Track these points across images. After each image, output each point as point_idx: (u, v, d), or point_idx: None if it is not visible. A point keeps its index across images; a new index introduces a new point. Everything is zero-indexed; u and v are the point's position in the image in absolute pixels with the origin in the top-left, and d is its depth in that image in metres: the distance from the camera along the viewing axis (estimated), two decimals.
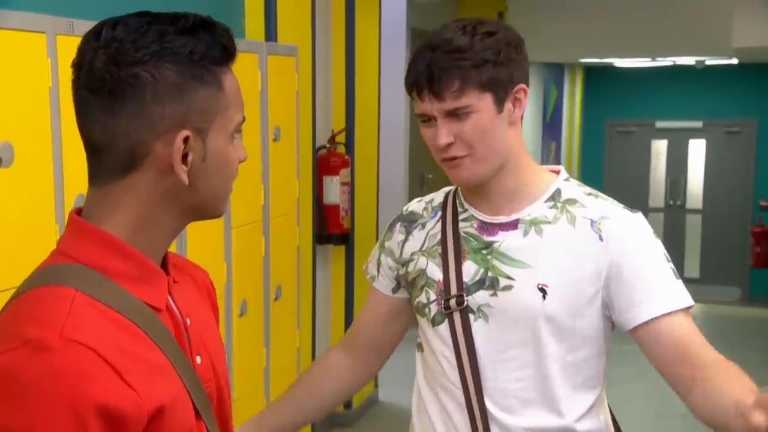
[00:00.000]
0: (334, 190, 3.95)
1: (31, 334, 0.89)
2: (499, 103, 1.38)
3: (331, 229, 3.99)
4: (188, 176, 0.97)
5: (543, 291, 1.40)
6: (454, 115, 1.37)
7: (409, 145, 5.99)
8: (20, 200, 2.01)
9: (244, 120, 1.03)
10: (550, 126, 8.38)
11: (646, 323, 1.38)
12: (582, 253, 1.40)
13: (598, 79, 9.50)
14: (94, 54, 0.96)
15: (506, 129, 1.40)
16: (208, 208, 1.03)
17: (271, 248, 3.17)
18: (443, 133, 1.38)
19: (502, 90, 1.38)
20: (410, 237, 1.53)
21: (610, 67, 9.07)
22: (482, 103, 1.37)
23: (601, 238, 1.40)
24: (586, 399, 1.44)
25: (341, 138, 4.09)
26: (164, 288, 1.02)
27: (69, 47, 2.13)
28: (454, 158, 1.39)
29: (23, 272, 2.17)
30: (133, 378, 0.91)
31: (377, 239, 4.80)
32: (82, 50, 0.98)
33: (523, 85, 1.41)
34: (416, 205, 1.58)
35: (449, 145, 1.38)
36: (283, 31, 3.31)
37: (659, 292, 1.39)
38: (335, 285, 4.24)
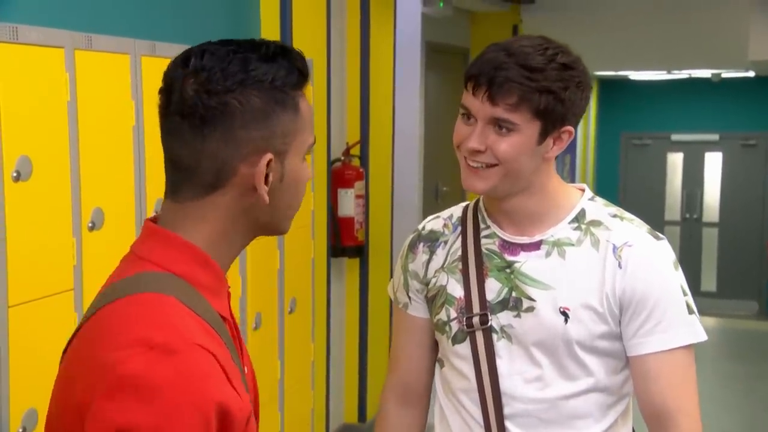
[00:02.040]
0: (348, 203, 3.95)
1: (157, 339, 0.93)
2: (543, 135, 1.37)
3: (345, 242, 3.99)
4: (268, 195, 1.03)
5: (565, 314, 1.40)
6: (497, 125, 1.35)
7: (423, 158, 5.99)
8: (38, 214, 2.03)
9: (314, 142, 1.10)
10: None
11: (639, 356, 1.40)
12: (602, 277, 1.40)
13: (613, 91, 9.46)
14: (184, 81, 1.01)
15: (538, 161, 1.39)
16: (277, 225, 1.09)
17: (286, 261, 3.18)
18: (477, 139, 1.36)
19: (551, 125, 1.36)
20: (434, 256, 1.51)
21: (626, 80, 9.04)
22: (529, 128, 1.35)
23: (620, 266, 1.40)
24: (607, 418, 1.45)
25: (356, 151, 4.10)
26: (228, 299, 1.09)
27: (87, 62, 2.16)
28: (483, 167, 1.38)
29: (41, 284, 2.20)
30: (235, 383, 0.98)
31: (392, 252, 4.80)
32: (170, 77, 1.04)
33: (570, 128, 1.39)
34: (434, 223, 1.54)
35: (477, 151, 1.37)
36: (299, 44, 3.32)
37: (660, 327, 1.39)
38: (350, 298, 4.24)
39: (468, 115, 1.39)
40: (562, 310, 1.39)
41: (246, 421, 0.98)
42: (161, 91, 1.05)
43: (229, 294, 1.10)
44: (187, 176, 1.04)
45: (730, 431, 4.52)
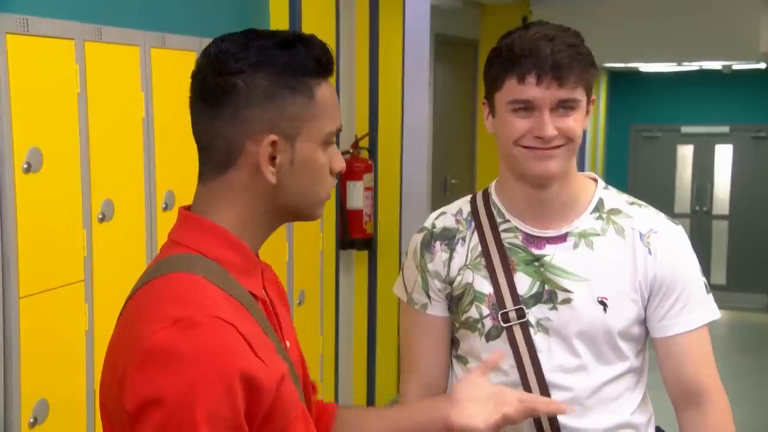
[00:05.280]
0: (357, 195, 3.95)
1: (181, 313, 0.99)
2: (587, 107, 1.42)
3: (354, 234, 3.99)
4: (277, 177, 1.07)
5: (603, 304, 1.43)
6: (560, 107, 1.38)
7: (432, 150, 5.98)
8: (48, 205, 2.03)
9: (339, 130, 1.13)
10: None
11: (669, 338, 1.46)
12: (633, 264, 1.44)
13: (623, 83, 9.42)
14: (206, 66, 1.09)
15: None
16: (302, 210, 1.13)
17: (295, 253, 3.18)
18: (551, 126, 1.38)
19: (589, 95, 1.42)
20: (455, 254, 1.50)
21: (635, 72, 9.00)
22: (583, 101, 1.41)
23: (650, 252, 1.44)
24: (638, 396, 1.50)
25: (364, 143, 4.10)
26: (260, 279, 1.14)
27: (97, 54, 2.17)
28: (554, 147, 1.39)
29: (51, 275, 2.21)
30: (261, 353, 1.02)
31: (400, 244, 4.77)
32: (197, 63, 1.11)
33: (594, 96, 1.45)
34: (444, 219, 1.53)
35: (553, 137, 1.38)
36: None
37: (687, 308, 1.45)
38: (358, 290, 4.24)
39: (524, 108, 1.38)
40: (600, 299, 1.43)
41: (276, 387, 1.03)
42: (191, 77, 1.11)
43: (268, 273, 1.17)
44: (206, 157, 1.10)
45: (740, 424, 4.50)
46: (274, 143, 1.06)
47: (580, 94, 1.38)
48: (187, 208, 1.13)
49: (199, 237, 1.08)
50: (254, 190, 1.08)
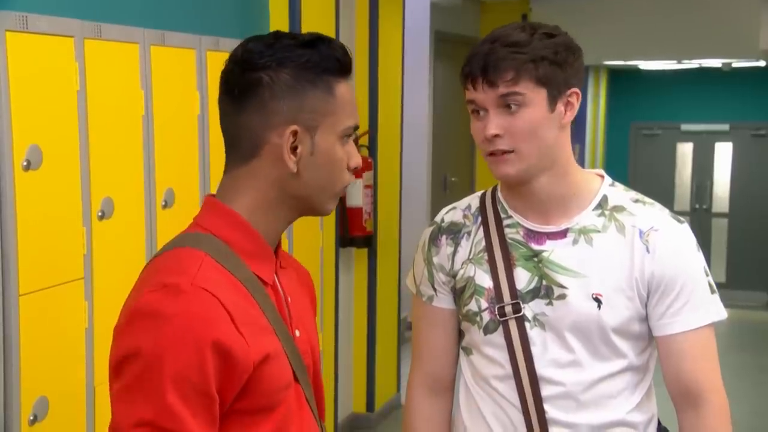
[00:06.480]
0: (357, 193, 3.96)
1: (169, 280, 1.09)
2: (552, 102, 1.40)
3: (354, 232, 3.99)
4: (297, 166, 1.15)
5: (598, 301, 1.43)
6: (506, 106, 1.38)
7: (432, 148, 5.98)
8: (48, 203, 2.04)
9: (356, 127, 1.20)
10: (574, 128, 8.27)
11: (669, 336, 1.45)
12: (631, 262, 1.44)
13: (623, 81, 9.42)
14: (232, 65, 1.17)
15: (556, 131, 1.42)
16: (315, 203, 1.19)
17: (294, 251, 3.18)
18: (493, 124, 1.39)
19: (556, 89, 1.40)
20: (459, 248, 1.52)
21: (635, 70, 9.00)
22: (536, 97, 1.38)
23: (648, 250, 1.44)
24: (636, 395, 1.49)
25: (364, 141, 4.10)
26: (272, 266, 1.20)
27: (97, 51, 2.17)
28: (501, 152, 1.40)
29: (51, 273, 2.21)
30: (244, 329, 1.09)
31: (400, 242, 4.77)
32: (225, 64, 1.19)
33: (577, 90, 1.43)
34: (453, 214, 1.56)
35: (496, 137, 1.39)
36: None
37: (688, 307, 1.44)
38: (358, 288, 4.25)
39: (477, 111, 1.42)
40: (594, 296, 1.43)
41: (254, 364, 1.09)
42: (220, 78, 1.19)
43: (278, 265, 1.21)
44: (232, 148, 1.18)
45: (739, 422, 4.50)
46: (295, 133, 1.13)
47: (523, 88, 1.37)
48: (214, 194, 1.21)
49: (213, 219, 1.17)
50: (273, 179, 1.15)
